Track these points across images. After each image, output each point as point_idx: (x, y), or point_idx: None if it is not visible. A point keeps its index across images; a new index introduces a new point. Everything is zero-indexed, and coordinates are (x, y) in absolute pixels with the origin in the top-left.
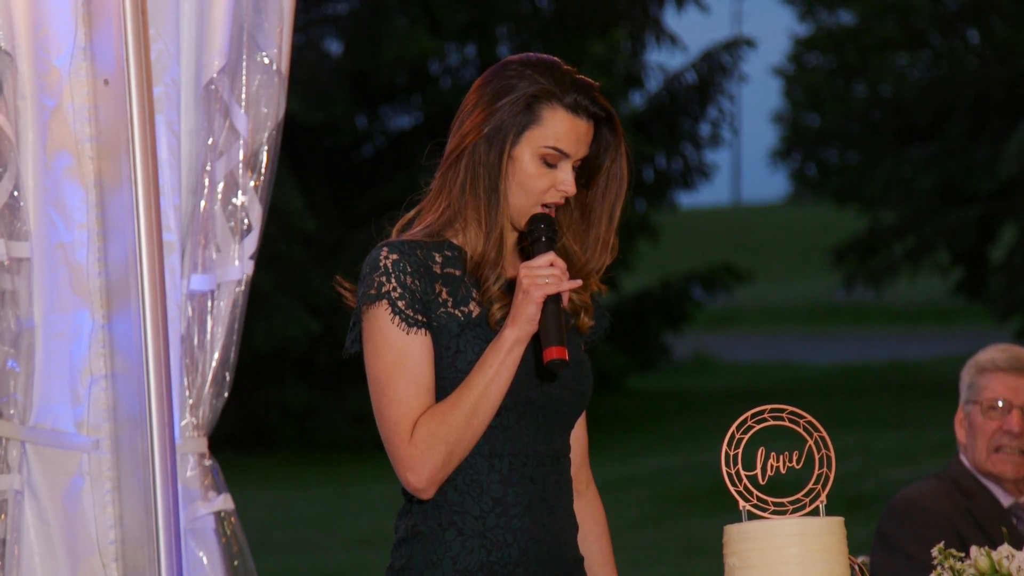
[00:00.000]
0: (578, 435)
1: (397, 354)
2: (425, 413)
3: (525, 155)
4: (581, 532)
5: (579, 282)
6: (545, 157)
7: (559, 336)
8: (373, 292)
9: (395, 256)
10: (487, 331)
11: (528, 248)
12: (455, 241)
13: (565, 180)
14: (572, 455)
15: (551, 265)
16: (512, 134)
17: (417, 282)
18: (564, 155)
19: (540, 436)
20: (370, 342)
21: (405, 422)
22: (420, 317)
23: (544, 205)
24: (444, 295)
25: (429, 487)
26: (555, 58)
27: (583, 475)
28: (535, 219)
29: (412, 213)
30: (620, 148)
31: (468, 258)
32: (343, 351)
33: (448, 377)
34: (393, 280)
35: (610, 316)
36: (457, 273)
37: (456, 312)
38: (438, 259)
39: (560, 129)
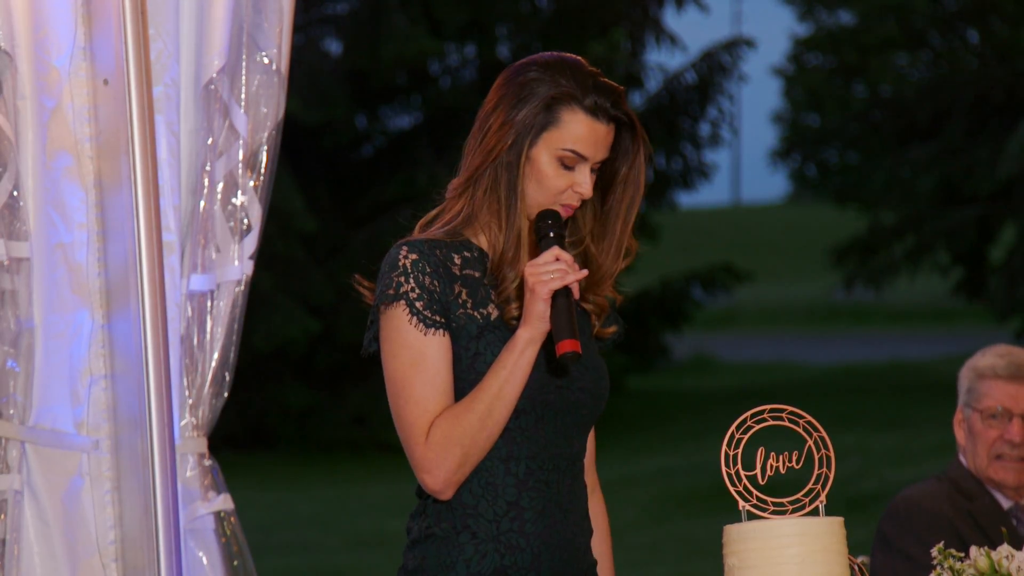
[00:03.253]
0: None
1: (414, 354)
2: (441, 415)
3: (543, 156)
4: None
5: (585, 272)
6: (562, 159)
7: (571, 329)
8: (391, 292)
9: (415, 256)
10: (505, 333)
11: (537, 246)
12: (474, 241)
13: (582, 183)
14: None
15: (556, 260)
16: (531, 135)
17: (436, 282)
18: (581, 158)
19: (558, 439)
20: (387, 342)
21: (421, 423)
22: (438, 318)
23: (563, 206)
24: (464, 296)
25: (446, 488)
26: (579, 58)
27: (591, 477)
28: (541, 215)
29: (435, 212)
30: (639, 154)
31: (489, 259)
32: (361, 350)
33: (468, 379)
34: (412, 280)
35: (623, 323)
36: (476, 275)
37: (475, 314)
38: (457, 260)
39: (578, 131)
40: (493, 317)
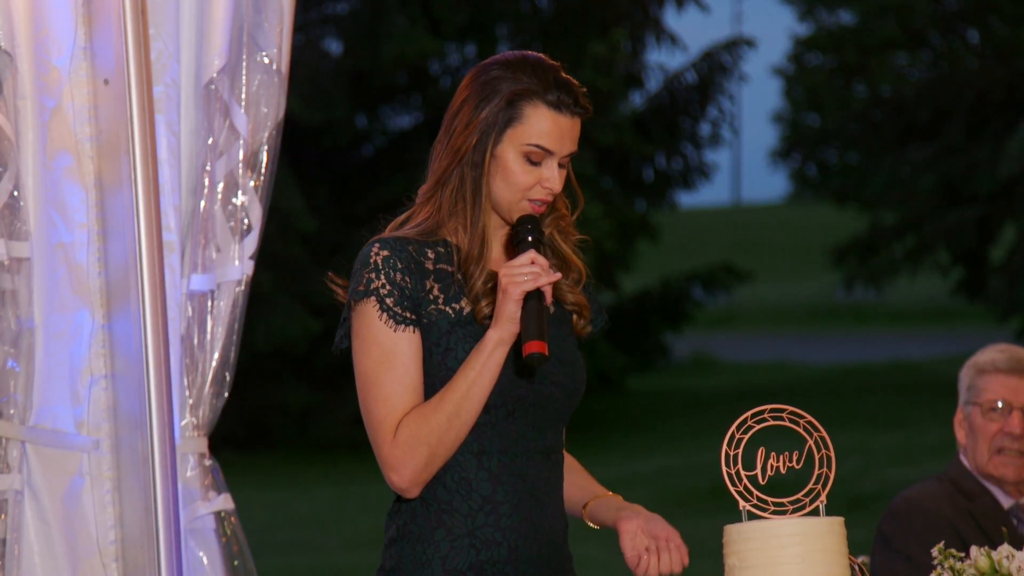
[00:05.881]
0: None
1: (384, 352)
2: (409, 414)
3: (508, 153)
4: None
5: (559, 275)
6: (528, 155)
7: (539, 331)
8: (362, 288)
9: (386, 252)
10: (477, 328)
11: (514, 249)
12: (449, 239)
13: (550, 177)
14: None
15: (531, 263)
16: (495, 133)
17: (407, 279)
18: (547, 152)
19: (530, 433)
20: (358, 339)
21: (389, 421)
22: (408, 315)
23: (532, 201)
24: (436, 291)
25: (412, 487)
26: (539, 55)
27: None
28: (521, 220)
29: (404, 216)
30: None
31: (458, 255)
32: (333, 346)
33: (438, 375)
34: (382, 277)
35: (607, 315)
36: (449, 269)
37: (447, 309)
38: (431, 255)
39: (543, 127)
40: (466, 312)
